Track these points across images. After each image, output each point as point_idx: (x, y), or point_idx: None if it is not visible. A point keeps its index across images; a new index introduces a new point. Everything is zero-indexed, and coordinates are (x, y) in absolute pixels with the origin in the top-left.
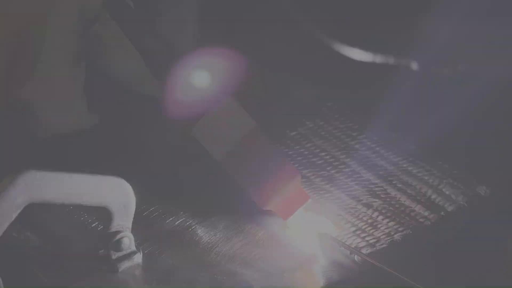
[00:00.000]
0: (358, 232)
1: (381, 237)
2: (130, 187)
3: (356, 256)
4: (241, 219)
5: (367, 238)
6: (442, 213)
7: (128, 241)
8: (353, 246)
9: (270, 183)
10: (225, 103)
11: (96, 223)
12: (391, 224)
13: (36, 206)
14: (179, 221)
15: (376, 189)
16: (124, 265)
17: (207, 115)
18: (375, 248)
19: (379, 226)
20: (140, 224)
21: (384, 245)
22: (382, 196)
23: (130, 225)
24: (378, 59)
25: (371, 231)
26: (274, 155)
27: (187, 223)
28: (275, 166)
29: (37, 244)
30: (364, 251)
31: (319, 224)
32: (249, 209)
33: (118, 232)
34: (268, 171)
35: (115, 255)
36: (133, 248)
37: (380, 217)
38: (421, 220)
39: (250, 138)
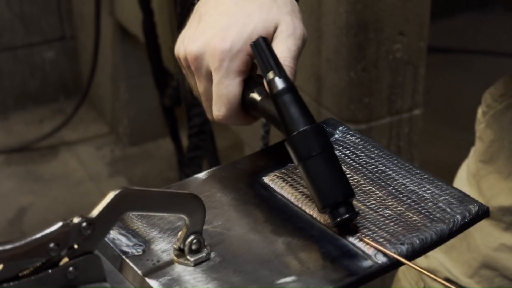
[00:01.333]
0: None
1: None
2: (201, 200)
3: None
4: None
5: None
6: None
7: (200, 242)
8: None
9: (330, 194)
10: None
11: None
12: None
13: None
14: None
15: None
16: (197, 261)
17: (299, 131)
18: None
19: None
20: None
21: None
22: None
23: (202, 230)
24: None
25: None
26: (339, 174)
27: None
28: (338, 182)
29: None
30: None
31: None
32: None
33: (192, 235)
34: (332, 184)
35: (190, 253)
36: (204, 247)
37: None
38: None
39: (324, 156)
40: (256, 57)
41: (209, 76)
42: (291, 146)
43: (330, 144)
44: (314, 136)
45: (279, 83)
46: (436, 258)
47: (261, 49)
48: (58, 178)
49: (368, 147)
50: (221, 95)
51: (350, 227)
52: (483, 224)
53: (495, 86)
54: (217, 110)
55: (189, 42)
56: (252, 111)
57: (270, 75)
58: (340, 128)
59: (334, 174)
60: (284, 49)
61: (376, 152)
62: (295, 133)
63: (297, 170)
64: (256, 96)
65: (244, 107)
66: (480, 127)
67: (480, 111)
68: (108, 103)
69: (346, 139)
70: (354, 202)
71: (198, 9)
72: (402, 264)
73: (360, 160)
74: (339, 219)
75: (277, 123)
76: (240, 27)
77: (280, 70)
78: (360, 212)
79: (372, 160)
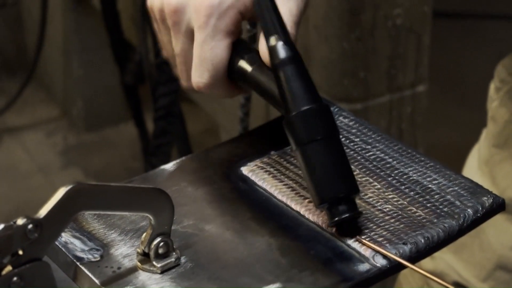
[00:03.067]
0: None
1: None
2: (169, 196)
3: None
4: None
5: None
6: None
7: (168, 245)
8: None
9: (330, 187)
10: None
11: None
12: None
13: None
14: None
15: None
16: (165, 267)
17: (301, 110)
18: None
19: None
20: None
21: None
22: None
23: (170, 231)
24: None
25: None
26: (343, 164)
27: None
28: (341, 174)
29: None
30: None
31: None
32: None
33: (159, 237)
34: (334, 175)
35: (157, 258)
36: (172, 251)
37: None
38: None
39: (327, 141)
40: (258, 17)
41: (189, 34)
42: (289, 126)
43: (336, 128)
44: (318, 117)
45: (283, 51)
46: (443, 259)
47: (266, 7)
48: (1, 171)
49: (364, 130)
50: (205, 58)
51: (348, 227)
52: (498, 219)
53: (510, 57)
54: (199, 76)
55: None
56: (239, 82)
57: (273, 40)
58: (331, 108)
59: (338, 165)
60: (285, 11)
61: (373, 136)
62: (296, 111)
63: (292, 158)
64: (246, 65)
65: (230, 76)
66: (493, 106)
67: (492, 86)
68: (59, 82)
69: (338, 121)
70: None
71: None
72: (404, 267)
73: (355, 146)
74: (337, 218)
75: (272, 98)
76: None
77: (286, 36)
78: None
79: (369, 146)
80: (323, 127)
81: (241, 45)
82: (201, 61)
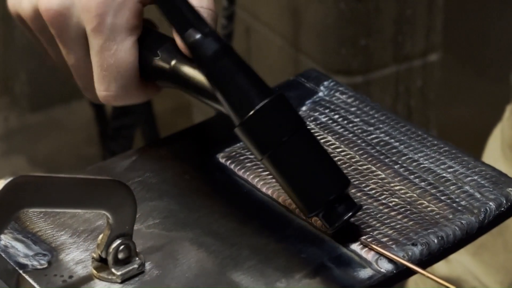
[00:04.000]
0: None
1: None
2: (130, 189)
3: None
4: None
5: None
6: None
7: (130, 248)
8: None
9: (317, 190)
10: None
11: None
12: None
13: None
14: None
15: None
16: (126, 275)
17: (256, 109)
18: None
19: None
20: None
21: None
22: None
23: (131, 232)
24: None
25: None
26: (323, 158)
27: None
28: (324, 172)
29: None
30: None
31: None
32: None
33: (118, 238)
34: (316, 176)
35: (116, 265)
36: (135, 255)
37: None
38: None
39: (298, 138)
40: (161, 10)
41: (82, 41)
42: (246, 134)
43: (302, 119)
44: (279, 113)
45: (209, 45)
46: (461, 262)
47: None
48: None
49: (365, 109)
50: (108, 66)
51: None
52: None
53: None
54: (104, 89)
55: None
56: (159, 81)
57: (192, 34)
58: (326, 83)
59: (318, 161)
60: None
61: (376, 116)
62: (250, 113)
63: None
64: (162, 62)
65: (145, 76)
66: None
67: None
68: None
69: (334, 98)
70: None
71: None
72: (414, 272)
73: (355, 128)
74: (337, 223)
75: (209, 97)
76: None
77: (202, 25)
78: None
79: (371, 128)
80: (288, 122)
81: (150, 37)
82: (103, 71)
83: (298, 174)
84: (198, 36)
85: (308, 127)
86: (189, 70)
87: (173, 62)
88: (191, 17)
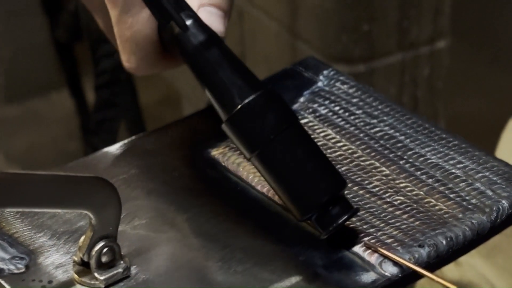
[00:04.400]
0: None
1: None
2: (114, 187)
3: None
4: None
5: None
6: None
7: (115, 251)
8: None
9: (309, 191)
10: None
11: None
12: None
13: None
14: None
15: None
16: (110, 280)
17: (242, 105)
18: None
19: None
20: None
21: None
22: None
23: (116, 233)
24: None
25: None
26: (317, 157)
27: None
28: (318, 172)
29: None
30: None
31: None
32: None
33: (102, 240)
34: (308, 177)
35: (99, 269)
36: (119, 259)
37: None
38: None
39: (289, 135)
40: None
41: (104, 11)
42: (233, 131)
43: (293, 113)
44: (268, 108)
45: (193, 36)
46: (472, 265)
47: None
48: None
49: (368, 100)
50: (126, 39)
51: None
52: None
53: None
54: (126, 60)
55: None
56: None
57: (174, 26)
58: (325, 72)
59: (311, 160)
60: None
61: (380, 107)
62: (236, 109)
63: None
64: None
65: (165, 46)
66: None
67: None
68: None
69: (334, 88)
70: (350, 185)
71: None
72: (421, 276)
73: (357, 121)
74: (331, 227)
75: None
76: None
77: (187, 14)
78: (360, 203)
79: (375, 120)
80: (278, 119)
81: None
82: (122, 43)
83: (289, 174)
84: (180, 28)
85: (301, 123)
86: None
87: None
88: (172, 8)
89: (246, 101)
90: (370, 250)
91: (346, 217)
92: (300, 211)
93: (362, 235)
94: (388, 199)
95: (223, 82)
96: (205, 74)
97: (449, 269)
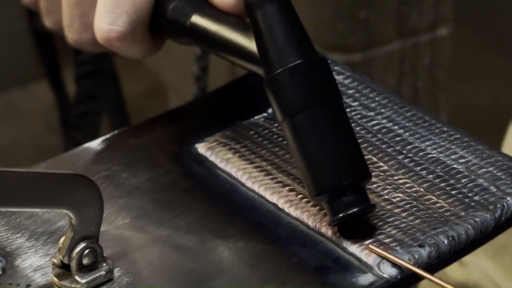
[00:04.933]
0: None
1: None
2: (96, 185)
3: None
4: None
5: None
6: None
7: (97, 253)
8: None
9: (332, 170)
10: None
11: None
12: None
13: None
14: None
15: None
16: (92, 283)
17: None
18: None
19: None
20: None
21: None
22: None
23: (98, 234)
24: None
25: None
26: (349, 141)
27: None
28: (345, 155)
29: None
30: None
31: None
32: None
33: (83, 241)
34: (335, 156)
35: (80, 271)
36: (102, 261)
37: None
38: None
39: (329, 109)
40: None
41: None
42: (274, 89)
43: (338, 91)
44: (314, 76)
45: None
46: (478, 266)
47: None
48: None
49: (365, 91)
50: None
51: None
52: None
53: None
54: (111, 21)
55: None
56: (170, 34)
57: None
58: None
59: (342, 141)
60: None
61: (377, 99)
62: (282, 68)
63: (266, 131)
64: (185, 8)
65: (153, 26)
66: None
67: None
68: None
69: None
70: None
71: None
72: (421, 278)
73: (353, 113)
74: (342, 214)
75: (237, 52)
76: None
77: None
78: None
79: (372, 113)
80: (321, 89)
81: None
82: (115, 2)
83: (317, 147)
84: None
85: (342, 103)
86: (216, 22)
87: (193, 15)
88: None
89: (296, 63)
90: (367, 251)
91: (357, 209)
92: (316, 188)
93: (359, 235)
94: (386, 196)
95: (279, 38)
96: (259, 25)
97: (454, 270)
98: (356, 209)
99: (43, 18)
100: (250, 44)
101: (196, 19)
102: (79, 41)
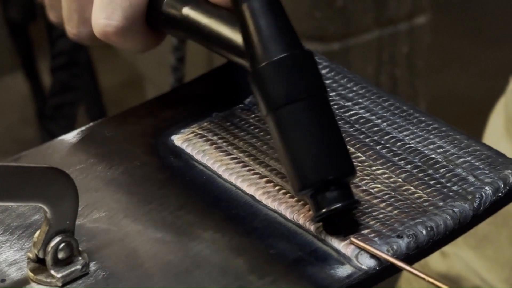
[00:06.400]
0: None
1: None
2: (71, 178)
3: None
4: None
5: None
6: None
7: (72, 246)
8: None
9: (316, 165)
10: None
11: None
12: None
13: None
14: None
15: None
16: (68, 277)
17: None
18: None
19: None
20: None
21: None
22: None
23: (73, 227)
24: None
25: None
26: (333, 136)
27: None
28: (330, 149)
29: None
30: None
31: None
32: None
33: (58, 235)
34: (319, 151)
35: (56, 266)
36: (78, 255)
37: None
38: None
39: (313, 102)
40: None
41: None
42: (259, 82)
43: (324, 85)
44: (300, 69)
45: None
46: (460, 257)
47: None
48: None
49: (342, 81)
50: None
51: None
52: None
53: None
54: (106, 16)
55: None
56: (165, 28)
57: None
58: None
59: (327, 136)
60: None
61: (355, 89)
62: (268, 61)
63: (243, 122)
64: (176, 2)
65: (150, 21)
66: None
67: None
68: None
69: None
70: None
71: None
72: (400, 269)
73: (331, 103)
74: (325, 209)
75: (225, 44)
76: None
77: None
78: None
79: (349, 103)
80: (306, 83)
81: None
82: None
83: (301, 142)
84: None
85: (327, 97)
86: (206, 15)
87: (189, 5)
88: None
89: (279, 56)
90: (346, 242)
91: (341, 204)
92: (299, 183)
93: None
94: (364, 187)
95: (261, 30)
96: (245, 18)
97: (436, 261)
98: (340, 204)
99: (47, 13)
100: (236, 37)
101: (188, 12)
102: (78, 35)
